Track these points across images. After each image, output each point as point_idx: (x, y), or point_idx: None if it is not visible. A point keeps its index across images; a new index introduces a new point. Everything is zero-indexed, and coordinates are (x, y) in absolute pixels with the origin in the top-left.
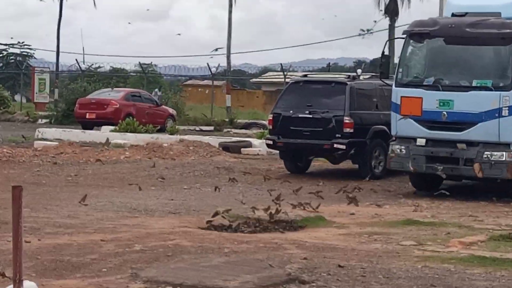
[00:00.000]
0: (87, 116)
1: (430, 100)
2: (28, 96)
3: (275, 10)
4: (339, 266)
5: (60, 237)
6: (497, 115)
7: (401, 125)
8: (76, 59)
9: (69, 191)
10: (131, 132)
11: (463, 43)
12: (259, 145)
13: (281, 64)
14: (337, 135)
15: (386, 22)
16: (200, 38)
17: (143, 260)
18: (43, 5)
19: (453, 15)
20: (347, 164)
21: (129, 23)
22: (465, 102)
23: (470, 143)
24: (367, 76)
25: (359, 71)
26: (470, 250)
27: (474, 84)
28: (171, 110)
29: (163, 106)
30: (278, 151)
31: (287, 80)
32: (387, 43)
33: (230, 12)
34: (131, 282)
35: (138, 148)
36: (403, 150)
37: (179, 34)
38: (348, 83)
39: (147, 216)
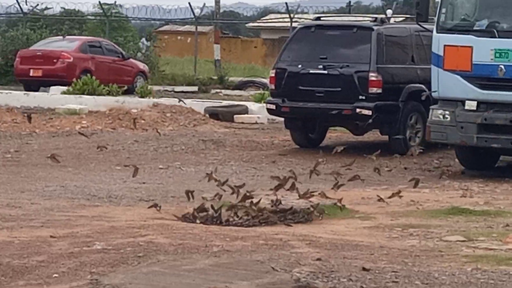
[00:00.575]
0: (31, 74)
1: (483, 50)
2: None
3: None
4: (364, 269)
5: None
6: None
7: (444, 83)
8: None
9: (8, 172)
10: (89, 94)
11: None
12: (257, 111)
13: (286, 3)
14: (360, 97)
15: None
16: None
17: (106, 262)
18: None
19: None
20: (373, 135)
21: None
22: None
23: None
24: (400, 19)
25: (389, 12)
26: None
27: None
28: (141, 65)
29: (132, 60)
30: (283, 119)
31: (294, 24)
32: None
33: None
34: None
35: (98, 115)
36: (447, 116)
37: None
38: (374, 28)
39: (111, 205)
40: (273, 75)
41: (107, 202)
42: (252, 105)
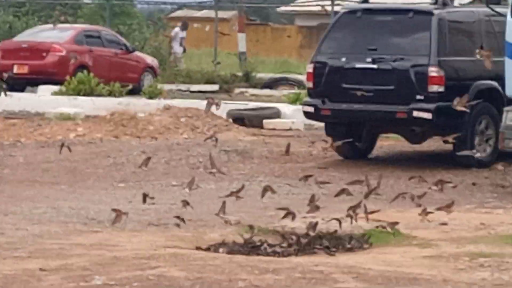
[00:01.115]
0: (15, 70)
1: None
2: None
3: None
4: None
5: None
6: None
7: None
8: None
9: None
10: (85, 95)
11: None
12: (292, 115)
13: None
14: (418, 97)
15: None
16: None
17: None
18: None
19: None
20: (434, 143)
21: None
22: None
23: None
24: (466, 1)
25: None
26: None
27: None
28: (150, 60)
29: (138, 53)
30: (323, 124)
31: (336, 9)
32: None
33: None
34: None
35: (97, 120)
36: None
37: None
38: (435, 12)
39: (113, 231)
40: (310, 70)
41: (109, 226)
42: (285, 108)
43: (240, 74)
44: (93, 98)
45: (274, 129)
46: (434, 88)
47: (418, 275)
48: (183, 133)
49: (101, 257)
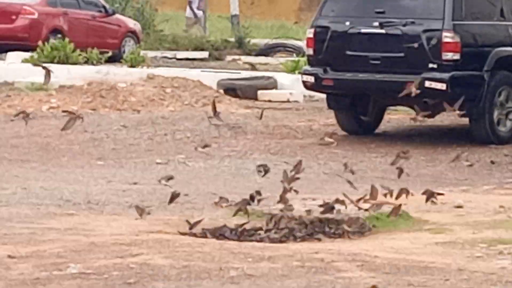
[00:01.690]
0: None
1: None
2: None
3: None
4: None
5: None
6: None
7: None
8: None
9: None
10: (60, 62)
11: None
12: (290, 85)
13: None
14: (430, 65)
15: None
16: None
17: None
18: None
19: None
20: (448, 117)
21: None
22: None
23: None
24: None
25: None
26: None
27: None
28: (132, 23)
29: (118, 16)
30: (324, 95)
31: None
32: None
33: None
34: None
35: (73, 91)
36: None
37: None
38: None
39: (90, 214)
40: (311, 36)
41: (86, 209)
42: (282, 77)
43: (232, 39)
44: (69, 66)
45: (270, 101)
46: (448, 55)
47: (430, 264)
48: (168, 105)
49: (77, 243)
